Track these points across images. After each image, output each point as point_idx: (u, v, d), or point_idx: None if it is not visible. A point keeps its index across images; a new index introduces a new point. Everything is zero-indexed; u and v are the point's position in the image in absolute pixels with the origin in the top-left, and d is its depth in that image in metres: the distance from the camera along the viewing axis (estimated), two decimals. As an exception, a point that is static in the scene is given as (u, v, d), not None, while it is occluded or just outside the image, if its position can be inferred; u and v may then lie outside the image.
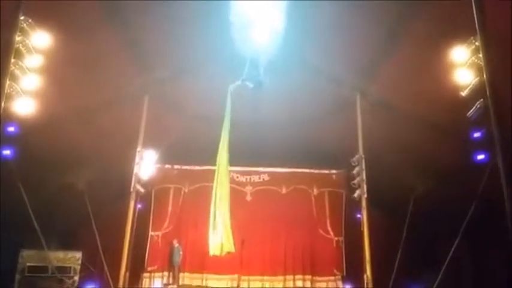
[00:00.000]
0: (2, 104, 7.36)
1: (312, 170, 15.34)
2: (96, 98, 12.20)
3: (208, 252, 13.49)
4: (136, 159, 12.65)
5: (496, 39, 7.96)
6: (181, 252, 13.89)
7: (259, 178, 15.29)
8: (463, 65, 8.52)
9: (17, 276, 12.37)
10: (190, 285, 13.97)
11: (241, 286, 13.83)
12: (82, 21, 10.17)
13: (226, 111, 9.48)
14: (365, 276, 11.97)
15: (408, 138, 12.76)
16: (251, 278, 14.23)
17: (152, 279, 14.21)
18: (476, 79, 8.12)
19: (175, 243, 13.97)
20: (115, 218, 12.92)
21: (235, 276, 14.12)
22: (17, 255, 12.59)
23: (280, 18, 11.19)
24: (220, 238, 8.91)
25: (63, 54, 9.40)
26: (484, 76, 7.84)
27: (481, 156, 8.29)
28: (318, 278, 14.38)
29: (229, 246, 9.13)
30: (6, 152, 8.32)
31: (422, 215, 13.38)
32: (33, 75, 8.25)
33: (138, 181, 12.60)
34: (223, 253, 9.25)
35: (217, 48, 11.83)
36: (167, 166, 15.02)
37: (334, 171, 15.28)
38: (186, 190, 15.18)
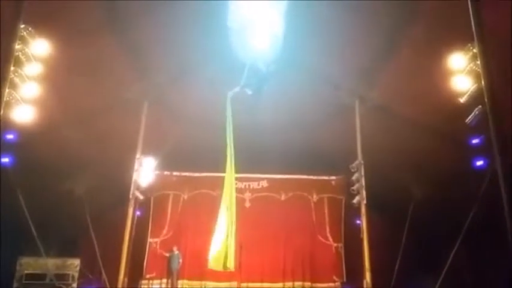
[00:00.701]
0: (1, 112, 7.35)
1: (311, 176, 15.34)
2: (95, 104, 12.21)
3: (206, 258, 13.58)
4: (136, 166, 12.62)
5: (494, 46, 8.01)
6: (180, 260, 13.81)
7: (258, 185, 15.27)
8: (461, 72, 8.58)
9: (15, 284, 12.31)
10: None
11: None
12: (81, 28, 10.20)
13: (228, 119, 9.37)
14: (364, 282, 11.94)
15: (407, 144, 12.77)
16: (250, 285, 14.17)
17: (150, 286, 14.12)
18: (475, 86, 8.18)
19: (175, 250, 13.91)
20: (114, 225, 12.88)
21: (234, 283, 14.07)
22: (15, 263, 12.54)
23: (279, 22, 11.23)
24: (228, 253, 8.64)
25: (62, 62, 9.42)
26: (482, 83, 7.89)
27: (479, 162, 8.34)
28: (317, 285, 14.32)
29: (231, 263, 8.85)
30: (5, 160, 8.33)
31: (422, 220, 13.38)
32: (32, 83, 8.28)
33: (137, 188, 12.56)
34: (227, 268, 8.98)
35: (217, 53, 11.87)
36: (166, 173, 14.99)
37: (333, 177, 15.27)
38: (185, 197, 15.15)
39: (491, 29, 8.00)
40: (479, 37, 7.95)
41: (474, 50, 8.18)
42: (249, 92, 9.80)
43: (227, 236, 8.55)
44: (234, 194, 9.19)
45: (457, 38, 8.61)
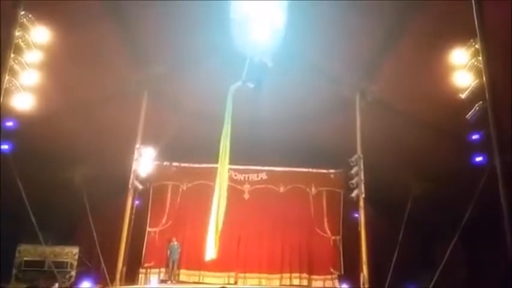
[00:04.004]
0: (1, 99, 7.34)
1: (310, 169, 15.34)
2: (95, 93, 12.19)
3: (205, 249, 13.68)
4: (135, 156, 12.64)
5: (496, 43, 7.97)
6: (179, 250, 13.94)
7: (258, 177, 15.28)
8: (462, 67, 8.55)
9: (14, 271, 12.41)
10: (187, 282, 14.00)
11: (238, 283, 13.87)
12: (82, 17, 10.14)
13: (227, 113, 9.37)
14: (361, 275, 12.00)
15: (407, 139, 12.78)
16: (248, 275, 14.27)
17: (148, 275, 14.22)
18: (476, 81, 8.15)
19: (174, 241, 14.02)
20: (112, 214, 12.94)
21: (232, 273, 14.16)
22: (15, 250, 12.62)
23: (280, 16, 11.18)
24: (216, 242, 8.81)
25: (62, 50, 9.39)
26: (484, 79, 7.87)
27: (479, 158, 8.32)
28: (314, 277, 14.40)
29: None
30: (5, 147, 8.32)
31: (420, 215, 13.41)
32: (32, 70, 8.25)
33: (137, 178, 12.60)
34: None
35: (217, 45, 11.82)
36: (166, 163, 15.00)
37: (332, 170, 15.28)
38: (185, 187, 15.18)
39: (494, 25, 7.97)
40: (481, 33, 7.92)
41: (476, 46, 8.14)
42: (251, 86, 9.79)
43: (215, 226, 8.69)
44: (225, 186, 9.21)
45: (459, 34, 8.57)
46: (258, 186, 15.22)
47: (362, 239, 12.19)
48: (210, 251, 8.87)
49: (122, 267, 12.03)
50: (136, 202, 13.31)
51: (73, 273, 12.72)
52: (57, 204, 13.10)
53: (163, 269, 14.23)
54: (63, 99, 11.48)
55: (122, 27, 11.13)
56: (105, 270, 12.33)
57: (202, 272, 14.21)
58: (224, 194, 9.06)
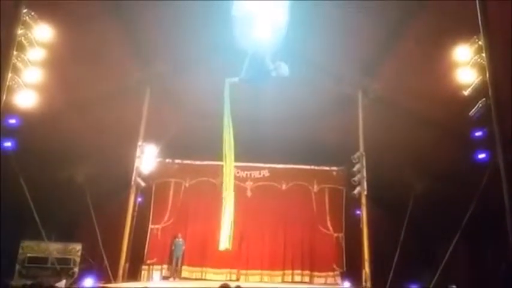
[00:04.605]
0: (4, 97, 7.37)
1: (312, 167, 15.36)
2: (98, 91, 12.20)
3: (207, 246, 13.79)
4: (137, 153, 12.67)
5: (499, 39, 7.93)
6: (183, 247, 14.01)
7: (260, 174, 15.30)
8: (465, 64, 8.51)
9: (17, 267, 12.50)
10: (190, 278, 14.07)
11: (239, 280, 13.91)
12: (84, 15, 10.14)
13: (226, 105, 9.41)
14: (363, 272, 12.02)
15: (409, 136, 12.74)
16: (249, 272, 14.33)
17: (151, 272, 14.28)
18: (479, 78, 8.11)
19: (180, 237, 14.10)
20: (115, 211, 12.99)
21: (234, 270, 14.21)
22: (18, 246, 12.70)
23: (282, 14, 11.13)
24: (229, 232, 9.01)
25: (65, 47, 9.39)
26: (487, 75, 7.84)
27: (482, 155, 8.29)
28: (316, 274, 14.44)
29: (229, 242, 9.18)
30: (8, 144, 8.36)
31: (422, 212, 13.40)
32: (35, 68, 8.26)
33: (139, 175, 12.64)
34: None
35: (219, 43, 11.79)
36: (168, 160, 15.06)
37: (334, 168, 15.30)
38: (187, 185, 15.21)
39: (497, 22, 7.92)
40: (484, 30, 7.88)
41: (480, 43, 8.10)
42: (244, 83, 9.76)
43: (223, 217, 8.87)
44: (232, 180, 9.29)
45: (462, 30, 8.52)
46: (260, 183, 15.24)
47: (364, 236, 12.19)
48: (224, 242, 9.02)
49: (125, 263, 12.08)
50: (139, 199, 13.39)
51: (76, 269, 12.79)
52: (60, 201, 13.16)
53: (165, 266, 14.32)
54: (65, 96, 11.49)
55: (125, 25, 11.12)
56: (108, 266, 12.40)
57: (204, 269, 14.28)
58: (231, 187, 9.17)
